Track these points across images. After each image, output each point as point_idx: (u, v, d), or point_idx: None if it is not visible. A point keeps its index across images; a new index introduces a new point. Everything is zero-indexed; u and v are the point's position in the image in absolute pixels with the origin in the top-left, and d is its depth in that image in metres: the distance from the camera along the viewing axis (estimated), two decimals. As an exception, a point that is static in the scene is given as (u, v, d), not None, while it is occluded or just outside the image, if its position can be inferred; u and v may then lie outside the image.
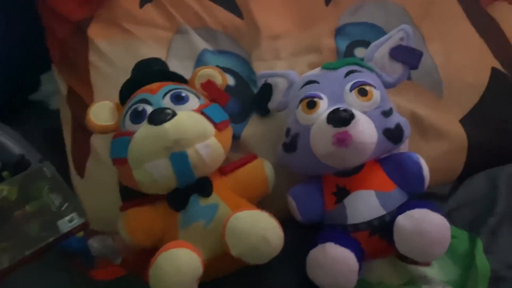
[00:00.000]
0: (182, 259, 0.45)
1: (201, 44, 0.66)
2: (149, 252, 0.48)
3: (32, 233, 0.60)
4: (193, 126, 0.48)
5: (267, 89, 0.59)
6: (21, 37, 0.78)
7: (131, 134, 0.50)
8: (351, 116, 0.46)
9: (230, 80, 0.64)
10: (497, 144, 0.61)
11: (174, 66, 0.62)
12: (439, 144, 0.60)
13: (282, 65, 0.64)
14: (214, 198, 0.51)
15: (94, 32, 0.67)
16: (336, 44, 0.65)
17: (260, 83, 0.61)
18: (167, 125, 0.47)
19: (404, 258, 0.52)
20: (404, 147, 0.56)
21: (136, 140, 0.49)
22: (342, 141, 0.46)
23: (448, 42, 0.65)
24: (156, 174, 0.48)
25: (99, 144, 0.62)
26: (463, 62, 0.64)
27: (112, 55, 0.65)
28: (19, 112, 0.80)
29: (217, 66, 0.61)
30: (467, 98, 0.62)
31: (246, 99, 0.62)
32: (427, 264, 0.52)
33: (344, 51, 0.64)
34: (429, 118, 0.60)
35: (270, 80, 0.59)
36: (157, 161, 0.48)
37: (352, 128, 0.46)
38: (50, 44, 0.72)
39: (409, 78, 0.63)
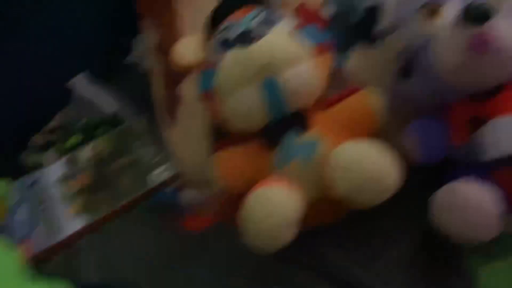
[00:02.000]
0: (276, 197, 0.39)
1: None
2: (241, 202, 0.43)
3: (125, 185, 0.59)
4: (285, 47, 0.41)
5: (371, 13, 0.50)
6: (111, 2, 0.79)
7: (215, 65, 0.44)
8: (491, 12, 0.35)
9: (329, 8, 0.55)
10: None
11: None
12: None
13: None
14: (313, 133, 0.44)
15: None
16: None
17: (363, 5, 0.51)
18: (255, 46, 0.41)
19: None
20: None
21: (224, 67, 0.43)
22: (480, 44, 0.35)
23: None
24: (247, 103, 0.42)
25: (188, 92, 0.58)
26: None
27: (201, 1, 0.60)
28: (115, 74, 0.81)
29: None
30: None
31: (348, 28, 0.53)
32: None
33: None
34: None
35: (374, 2, 0.50)
36: (247, 89, 0.41)
37: (493, 28, 0.35)
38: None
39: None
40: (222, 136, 0.50)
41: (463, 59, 0.36)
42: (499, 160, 0.38)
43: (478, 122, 0.40)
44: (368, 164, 0.37)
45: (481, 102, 0.40)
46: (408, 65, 0.43)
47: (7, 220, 0.57)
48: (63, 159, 0.64)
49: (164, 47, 0.63)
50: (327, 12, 0.54)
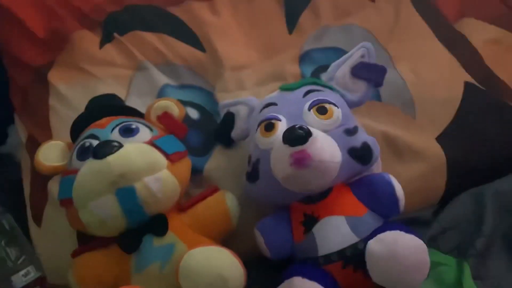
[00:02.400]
0: (130, 306, 0.40)
1: (162, 79, 0.64)
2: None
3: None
4: (140, 157, 0.45)
5: (229, 118, 0.56)
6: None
7: (76, 172, 0.46)
8: (308, 134, 0.42)
9: (194, 114, 0.61)
10: (478, 160, 0.57)
11: (135, 103, 0.60)
12: (417, 164, 0.56)
13: (246, 95, 0.61)
14: (170, 237, 0.47)
15: (54, 76, 0.65)
16: (301, 70, 0.63)
17: (223, 113, 0.58)
18: (110, 158, 0.43)
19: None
20: (376, 169, 0.52)
21: (79, 177, 0.45)
22: (300, 160, 0.42)
23: (417, 60, 0.63)
24: (103, 213, 0.44)
25: (56, 190, 0.58)
26: (434, 78, 0.61)
27: (71, 97, 0.63)
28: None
29: (180, 100, 0.58)
30: (441, 115, 0.59)
31: (210, 132, 0.59)
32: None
33: (309, 77, 0.62)
34: (403, 138, 0.57)
35: (232, 109, 0.57)
36: (103, 199, 0.44)
37: (310, 146, 0.42)
38: (12, 93, 0.70)
39: (379, 100, 0.60)
40: (88, 238, 0.50)
41: (288, 172, 0.43)
42: (330, 254, 0.45)
43: (313, 221, 0.46)
44: (211, 268, 0.40)
45: (314, 203, 0.47)
46: (254, 171, 0.49)
47: None
48: None
49: (34, 144, 0.64)
50: (192, 116, 0.60)
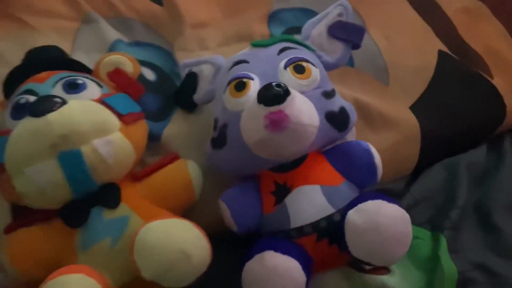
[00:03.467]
0: (74, 286, 0.34)
1: (113, 34, 0.57)
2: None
3: None
4: (87, 116, 0.38)
5: (191, 79, 0.51)
6: None
7: (10, 132, 0.39)
8: (286, 92, 0.38)
9: (150, 75, 0.55)
10: (452, 130, 0.55)
11: (81, 59, 0.52)
12: (389, 134, 0.53)
13: (209, 56, 0.55)
14: (123, 209, 0.41)
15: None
16: (269, 30, 0.58)
17: (183, 73, 0.52)
18: (51, 116, 0.37)
19: (359, 268, 0.43)
20: (350, 138, 0.48)
21: (13, 139, 0.38)
22: (277, 122, 0.37)
23: (390, 26, 0.60)
24: (42, 180, 0.37)
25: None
26: (407, 45, 0.59)
27: (3, 50, 0.54)
28: None
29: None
30: (415, 83, 0.57)
31: (168, 95, 0.53)
32: (387, 271, 0.43)
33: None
34: (376, 106, 0.54)
35: (195, 69, 0.51)
36: (42, 164, 0.37)
37: (287, 107, 0.38)
38: None
39: (352, 65, 0.57)
40: (24, 211, 0.43)
41: (262, 135, 0.38)
42: (304, 227, 0.41)
43: (285, 191, 0.42)
44: (172, 243, 0.35)
45: (286, 172, 0.43)
46: (221, 136, 0.43)
47: None
48: None
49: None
50: (148, 77, 0.54)
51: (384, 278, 0.43)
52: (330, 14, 0.48)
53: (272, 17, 0.60)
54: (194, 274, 0.36)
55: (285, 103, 0.37)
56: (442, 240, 0.45)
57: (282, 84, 0.38)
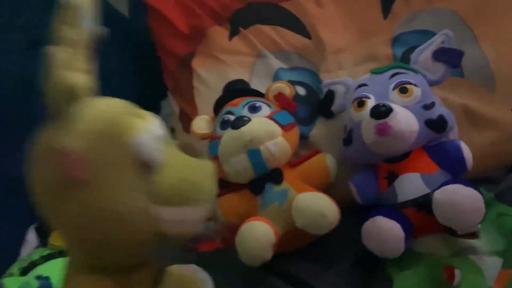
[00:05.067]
0: (258, 228, 0.59)
1: (277, 64, 0.80)
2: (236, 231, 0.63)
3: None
4: (263, 128, 0.63)
5: (329, 95, 0.71)
6: (141, 71, 1.00)
7: (220, 137, 0.65)
8: (389, 110, 0.56)
9: (301, 91, 0.77)
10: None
11: (256, 84, 0.78)
12: (490, 132, 0.65)
13: (344, 75, 0.75)
14: (284, 185, 0.64)
15: (196, 63, 0.86)
16: (393, 52, 0.74)
17: (325, 90, 0.73)
18: (243, 128, 0.62)
19: (453, 233, 0.58)
20: (453, 136, 0.63)
21: (222, 142, 0.64)
22: (382, 131, 0.56)
23: (501, 39, 0.70)
24: (238, 167, 0.63)
25: (201, 148, 0.79)
26: (515, 56, 0.68)
27: (209, 80, 0.83)
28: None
29: (290, 80, 0.74)
30: (520, 89, 0.66)
31: (314, 106, 0.75)
32: (475, 237, 0.57)
33: (400, 57, 0.73)
34: (480, 109, 0.66)
35: (332, 87, 0.71)
36: (238, 157, 0.62)
37: (390, 120, 0.56)
38: (164, 75, 0.92)
39: (462, 76, 0.69)
40: (226, 185, 0.70)
41: (374, 139, 0.57)
42: (406, 201, 0.58)
43: (394, 176, 0.60)
44: (314, 207, 0.57)
45: (395, 163, 0.60)
46: (349, 137, 0.63)
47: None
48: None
49: (184, 116, 0.86)
50: (300, 93, 0.76)
51: (473, 241, 0.57)
52: (435, 42, 0.63)
53: (395, 40, 0.76)
54: (328, 227, 0.58)
55: (388, 117, 0.56)
56: (527, 218, 0.57)
57: (387, 104, 0.56)
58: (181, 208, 0.34)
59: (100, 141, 0.32)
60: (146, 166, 0.33)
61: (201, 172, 0.36)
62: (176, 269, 0.43)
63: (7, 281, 0.52)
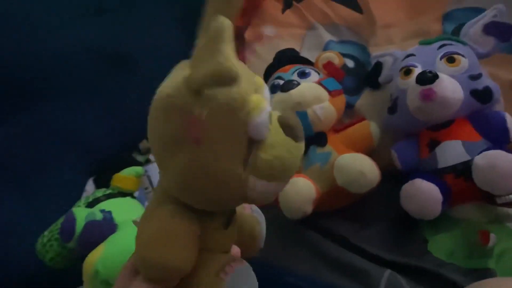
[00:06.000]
0: (300, 184, 0.63)
1: (327, 36, 0.83)
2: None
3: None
4: (311, 92, 0.66)
5: (377, 66, 0.73)
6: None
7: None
8: (435, 76, 0.58)
9: (350, 63, 0.80)
10: None
11: (306, 55, 0.81)
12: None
13: (393, 49, 0.76)
14: (328, 148, 0.68)
15: (249, 35, 0.90)
16: (443, 28, 0.76)
17: (373, 62, 0.75)
18: (292, 91, 0.66)
19: (492, 201, 0.60)
20: (499, 108, 0.63)
21: (273, 103, 0.68)
22: (427, 96, 0.58)
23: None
24: (287, 126, 0.67)
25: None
26: None
27: (261, 51, 0.87)
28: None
29: (340, 52, 0.77)
30: None
31: (361, 77, 0.77)
32: (512, 206, 0.59)
33: (450, 33, 0.74)
34: (528, 85, 0.66)
35: (380, 59, 0.73)
36: (287, 118, 0.66)
37: (436, 86, 0.58)
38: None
39: (511, 53, 0.70)
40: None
41: (419, 104, 0.59)
42: (446, 167, 0.60)
43: (436, 143, 0.62)
44: (355, 166, 0.60)
45: (438, 131, 0.62)
46: (394, 105, 0.66)
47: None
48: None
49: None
50: (348, 65, 0.79)
51: (510, 210, 0.59)
52: (487, 16, 0.64)
53: (446, 16, 0.77)
54: (368, 186, 0.61)
55: (434, 84, 0.58)
56: None
57: (433, 71, 0.58)
58: (271, 182, 0.37)
59: (221, 112, 0.34)
60: (253, 141, 0.35)
61: (294, 153, 0.39)
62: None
63: (76, 210, 0.59)
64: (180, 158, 0.35)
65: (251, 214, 0.48)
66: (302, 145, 0.40)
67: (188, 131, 0.34)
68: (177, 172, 0.36)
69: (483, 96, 0.60)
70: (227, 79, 0.33)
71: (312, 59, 0.76)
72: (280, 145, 0.38)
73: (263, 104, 0.35)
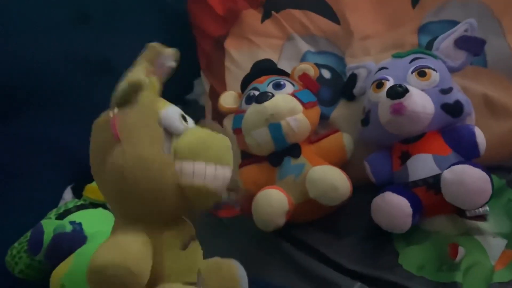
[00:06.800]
0: (273, 196, 0.63)
1: (305, 47, 0.84)
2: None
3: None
4: (285, 104, 0.66)
5: (352, 78, 0.74)
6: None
7: (244, 111, 0.70)
8: (405, 90, 0.58)
9: (327, 74, 0.80)
10: None
11: (283, 65, 0.81)
12: (510, 122, 0.66)
13: (369, 61, 0.76)
14: (302, 159, 0.68)
15: (229, 44, 0.90)
16: (418, 40, 0.76)
17: (348, 74, 0.75)
18: (266, 103, 0.66)
19: (462, 214, 0.60)
20: (469, 122, 0.64)
21: (246, 115, 0.68)
22: (397, 110, 0.58)
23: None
24: (260, 139, 0.67)
25: (228, 125, 0.84)
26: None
27: (241, 61, 0.87)
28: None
29: (316, 63, 0.77)
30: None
31: (337, 88, 0.78)
32: (483, 219, 0.59)
33: (425, 46, 0.75)
34: (500, 99, 0.67)
35: (355, 71, 0.74)
36: (260, 130, 0.67)
37: (405, 100, 0.58)
38: (199, 54, 0.97)
39: (485, 66, 0.71)
40: (249, 155, 0.74)
41: (389, 118, 0.60)
42: (417, 181, 0.60)
43: (407, 156, 0.62)
44: (327, 179, 0.61)
45: (409, 143, 0.63)
46: (366, 118, 0.66)
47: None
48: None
49: (214, 93, 0.90)
50: (325, 76, 0.79)
51: (480, 223, 0.59)
52: (458, 30, 0.65)
53: (422, 29, 0.77)
54: (339, 199, 0.61)
55: (404, 98, 0.58)
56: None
57: (403, 85, 0.59)
58: (197, 162, 0.41)
59: (135, 111, 0.43)
60: (169, 132, 0.43)
61: (215, 137, 0.44)
62: (217, 258, 0.52)
63: (44, 223, 0.58)
64: (109, 161, 0.41)
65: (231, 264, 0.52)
66: (224, 136, 0.45)
67: (112, 129, 0.42)
68: (110, 175, 0.41)
69: (453, 110, 0.60)
70: (136, 86, 0.43)
71: (290, 69, 0.76)
72: (199, 132, 0.44)
73: (168, 104, 0.45)
